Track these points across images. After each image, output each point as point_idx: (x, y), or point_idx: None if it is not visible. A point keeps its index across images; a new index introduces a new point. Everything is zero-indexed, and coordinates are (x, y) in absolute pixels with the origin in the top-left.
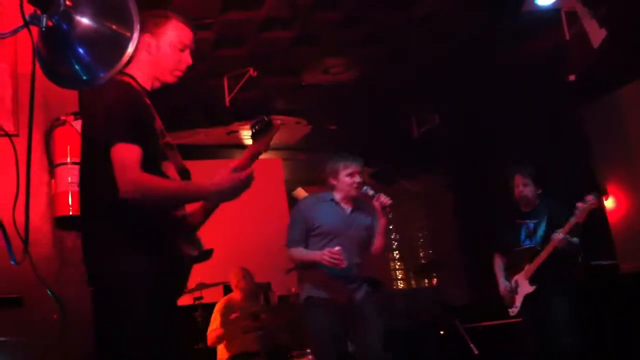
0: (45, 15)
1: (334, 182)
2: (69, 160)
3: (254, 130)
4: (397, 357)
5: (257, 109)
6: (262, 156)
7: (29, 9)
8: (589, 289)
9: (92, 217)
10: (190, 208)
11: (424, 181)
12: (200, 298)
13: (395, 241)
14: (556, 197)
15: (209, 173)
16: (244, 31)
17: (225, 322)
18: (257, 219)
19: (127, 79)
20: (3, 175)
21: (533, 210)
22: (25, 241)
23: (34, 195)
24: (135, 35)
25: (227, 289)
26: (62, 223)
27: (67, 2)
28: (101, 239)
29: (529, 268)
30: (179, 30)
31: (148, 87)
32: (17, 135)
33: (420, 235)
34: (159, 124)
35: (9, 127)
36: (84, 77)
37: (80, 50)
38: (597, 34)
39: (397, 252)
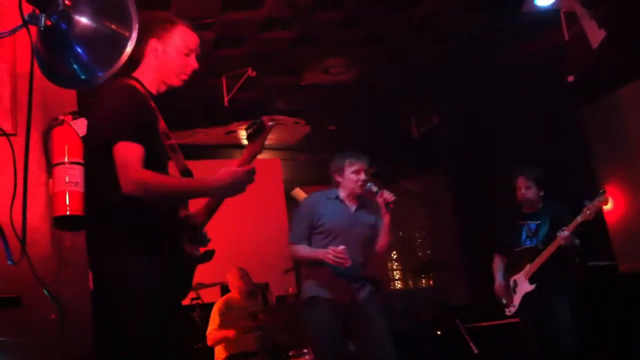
0: (44, 15)
1: (339, 179)
2: (66, 160)
3: (248, 133)
4: (397, 357)
5: (256, 109)
6: (261, 156)
7: (28, 9)
8: (588, 289)
9: (93, 217)
10: (193, 208)
11: (424, 181)
12: (198, 298)
13: (395, 241)
14: (556, 197)
15: (208, 173)
16: (244, 31)
17: (224, 322)
18: (255, 219)
19: (133, 82)
20: (1, 175)
21: (535, 211)
22: (23, 241)
23: (32, 195)
24: (134, 35)
25: (225, 289)
26: (60, 223)
27: (66, 2)
28: (102, 238)
29: (530, 267)
30: (185, 35)
31: (154, 90)
32: (15, 135)
33: (418, 235)
34: (162, 126)
35: (7, 127)
36: (83, 77)
37: (79, 50)
38: (596, 35)
39: (394, 252)
